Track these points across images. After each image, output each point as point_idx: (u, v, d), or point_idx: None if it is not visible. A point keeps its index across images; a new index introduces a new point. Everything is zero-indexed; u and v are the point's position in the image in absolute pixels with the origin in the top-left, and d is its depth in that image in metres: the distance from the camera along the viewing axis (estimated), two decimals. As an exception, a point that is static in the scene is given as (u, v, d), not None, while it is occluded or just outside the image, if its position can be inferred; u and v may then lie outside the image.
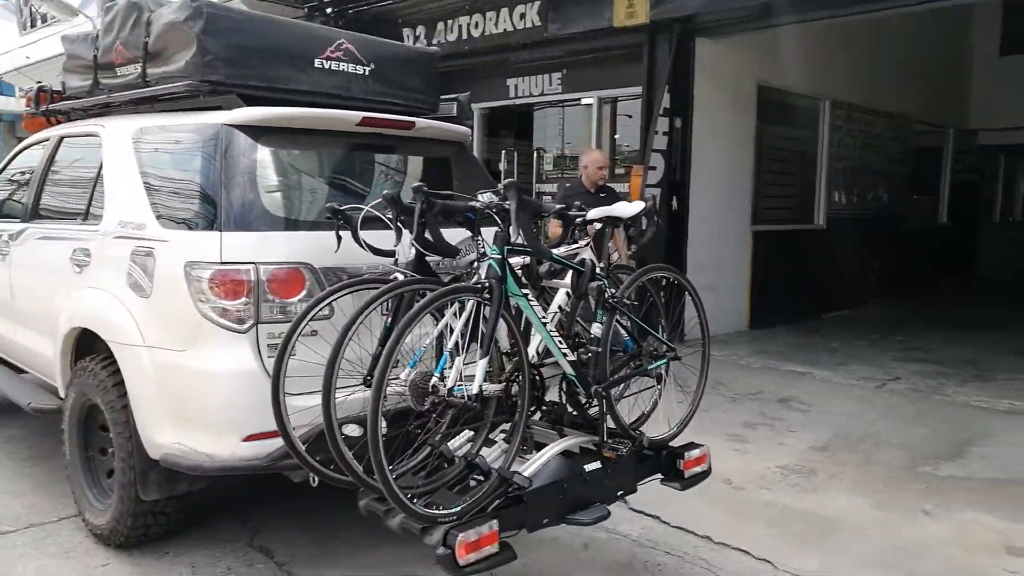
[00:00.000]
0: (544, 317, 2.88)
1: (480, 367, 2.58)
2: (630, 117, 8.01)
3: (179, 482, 3.24)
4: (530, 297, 2.82)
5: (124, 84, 3.74)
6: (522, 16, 7.68)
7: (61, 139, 4.27)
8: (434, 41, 8.45)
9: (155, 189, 3.34)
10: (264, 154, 3.20)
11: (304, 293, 3.01)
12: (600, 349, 2.97)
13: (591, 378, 2.96)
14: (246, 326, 2.92)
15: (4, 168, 4.90)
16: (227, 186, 3.05)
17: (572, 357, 2.93)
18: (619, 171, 8.25)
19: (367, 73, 3.72)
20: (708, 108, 7.24)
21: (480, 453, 2.77)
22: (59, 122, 4.59)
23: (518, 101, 8.74)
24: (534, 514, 2.69)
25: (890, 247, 10.51)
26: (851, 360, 7.07)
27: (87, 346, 3.60)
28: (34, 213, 4.24)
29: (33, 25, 13.03)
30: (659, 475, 3.21)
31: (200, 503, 3.59)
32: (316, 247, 3.04)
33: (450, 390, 2.56)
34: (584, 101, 8.26)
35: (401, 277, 2.80)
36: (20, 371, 4.57)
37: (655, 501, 3.84)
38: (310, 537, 3.58)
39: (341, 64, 3.62)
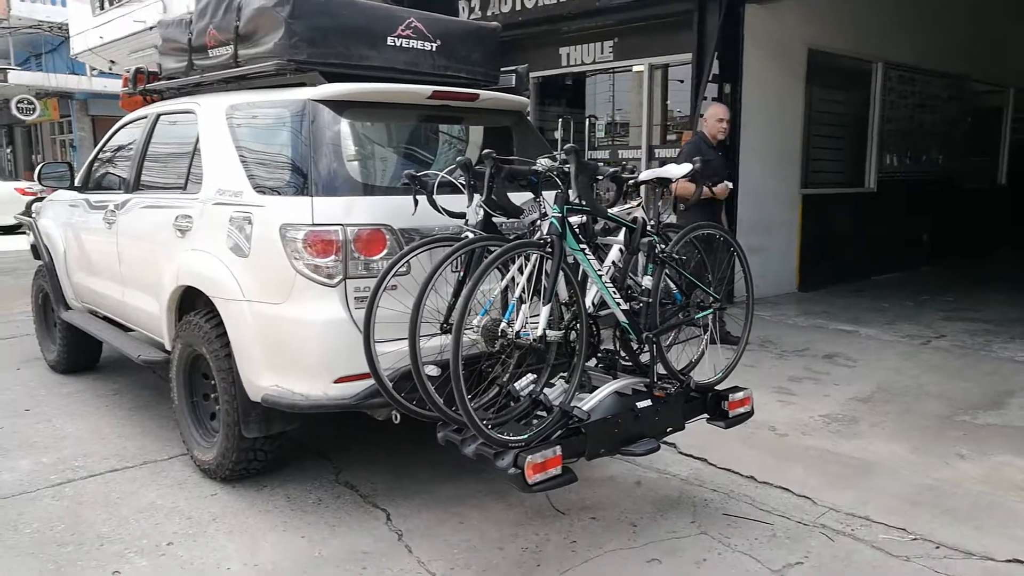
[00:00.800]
0: (600, 270, 3.19)
1: (543, 313, 2.92)
2: (681, 82, 8.17)
3: (275, 421, 3.65)
4: (587, 252, 3.13)
5: (216, 64, 4.12)
6: (574, -15, 7.88)
7: (158, 116, 4.66)
8: (488, 13, 8.68)
9: (249, 159, 3.70)
10: (346, 126, 3.53)
11: (385, 252, 3.35)
12: (651, 299, 3.28)
13: (643, 326, 3.28)
14: (335, 281, 3.28)
15: (104, 145, 5.36)
16: (315, 156, 3.40)
17: (625, 307, 3.25)
18: (671, 137, 8.45)
19: (434, 49, 4.01)
20: (757, 73, 7.37)
21: (543, 391, 3.12)
22: (154, 101, 5.03)
23: (571, 70, 8.93)
24: (591, 444, 3.02)
25: (945, 209, 10.46)
26: (899, 319, 7.22)
27: (189, 303, 4.03)
28: (136, 184, 4.65)
29: (106, 6, 13.58)
30: (705, 415, 3.52)
31: (290, 444, 4.01)
32: (394, 210, 3.39)
33: (517, 333, 2.91)
34: (635, 68, 8.42)
35: (471, 236, 3.14)
36: (127, 330, 5.08)
37: (703, 445, 4.17)
38: (387, 475, 3.96)
39: (411, 41, 3.93)
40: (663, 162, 7.79)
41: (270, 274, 3.42)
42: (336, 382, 3.31)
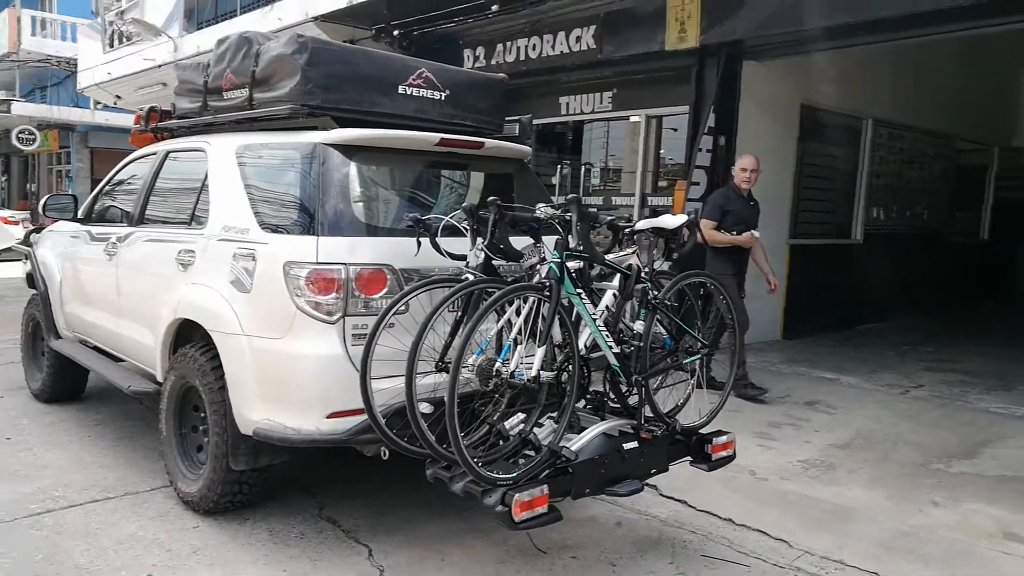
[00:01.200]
0: (594, 314, 3.34)
1: (538, 354, 3.05)
2: (675, 131, 8.42)
3: (263, 455, 3.68)
4: (583, 296, 3.28)
5: (231, 106, 4.24)
6: (578, 39, 8.14)
7: (168, 153, 4.79)
8: (493, 62, 8.94)
9: (257, 198, 3.82)
10: (354, 169, 3.66)
11: (385, 291, 3.46)
12: (641, 343, 3.42)
13: (633, 369, 3.41)
14: (335, 318, 3.38)
15: (111, 179, 5.49)
16: (322, 197, 3.53)
17: (617, 350, 3.39)
18: (662, 183, 8.67)
19: (443, 98, 4.15)
20: (752, 127, 7.60)
21: (533, 431, 3.23)
22: (163, 139, 5.18)
23: (570, 118, 9.18)
24: (578, 483, 3.13)
25: (929, 262, 10.69)
26: (880, 368, 7.37)
27: (186, 336, 4.10)
28: (141, 218, 4.74)
29: (117, 44, 13.87)
30: (688, 457, 3.64)
31: (274, 478, 4.03)
32: (395, 250, 3.52)
33: (512, 373, 3.04)
34: (632, 119, 8.67)
35: (471, 277, 3.28)
36: (117, 360, 5.10)
37: (683, 488, 4.27)
38: (370, 511, 4.01)
39: (421, 90, 4.06)
40: (655, 210, 8.00)
41: (271, 310, 3.51)
42: (328, 417, 3.39)
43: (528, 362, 3.10)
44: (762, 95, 7.73)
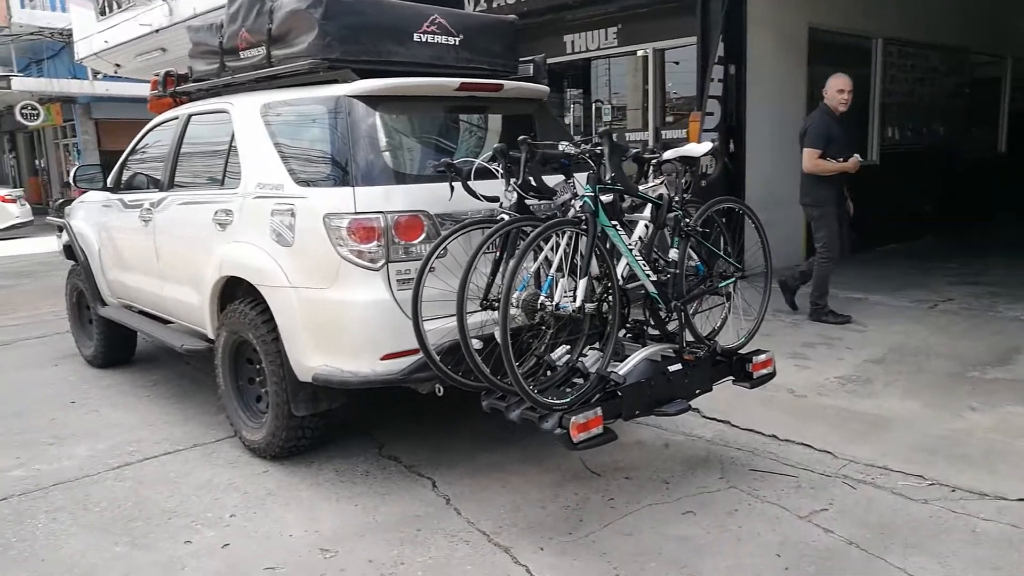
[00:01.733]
0: (629, 245, 3.41)
1: (581, 286, 3.13)
2: (677, 64, 8.35)
3: (321, 400, 3.87)
4: (618, 228, 3.34)
5: (249, 65, 4.31)
6: (580, -25, 8.05)
7: (190, 117, 4.86)
8: (495, 4, 8.84)
9: (288, 154, 3.90)
10: (380, 119, 3.72)
11: (423, 236, 3.56)
12: (677, 271, 3.49)
13: (670, 295, 3.49)
14: (379, 265, 3.49)
15: (135, 147, 5.56)
16: (353, 148, 3.60)
17: (654, 278, 3.46)
18: (669, 119, 8.64)
19: (457, 43, 4.20)
20: (761, 53, 7.54)
21: (579, 360, 3.33)
22: (182, 103, 5.23)
23: (576, 56, 9.11)
24: (628, 405, 3.25)
25: (946, 180, 10.63)
26: (906, 286, 7.43)
27: (230, 292, 4.26)
28: (171, 183, 4.86)
29: (110, 10, 13.74)
30: (731, 377, 3.74)
31: (333, 423, 4.19)
32: (430, 196, 3.60)
33: (556, 306, 3.12)
34: (639, 53, 8.60)
35: (507, 218, 3.34)
36: (165, 322, 5.29)
37: (725, 409, 4.39)
38: (427, 447, 4.18)
39: (435, 37, 4.11)
40: (666, 143, 7.99)
41: (315, 261, 3.62)
42: (383, 359, 3.53)
43: (570, 294, 3.18)
44: (769, 20, 7.65)
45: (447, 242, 3.32)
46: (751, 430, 4.21)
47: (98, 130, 23.51)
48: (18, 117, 21.26)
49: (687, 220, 3.56)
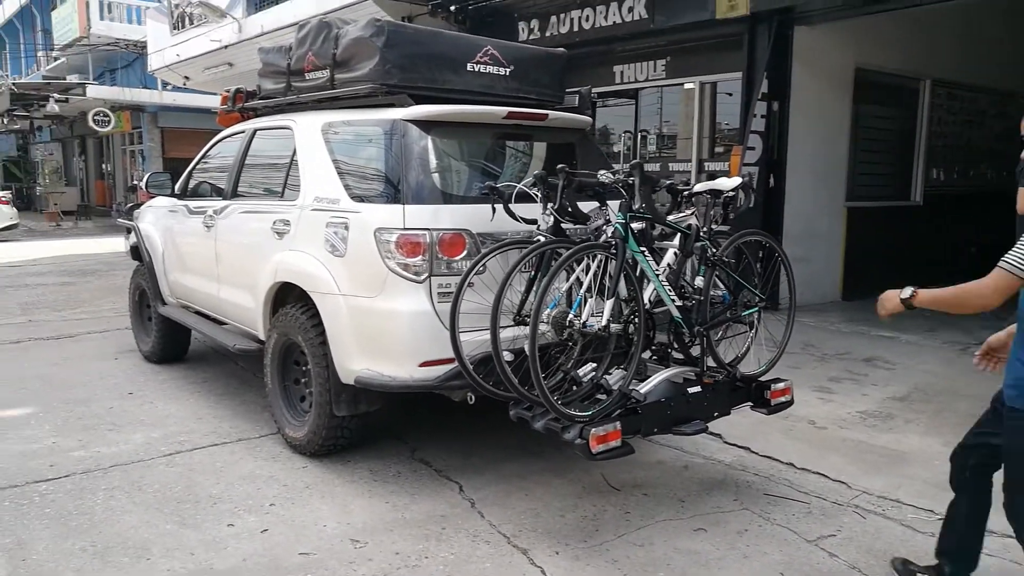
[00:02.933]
0: (657, 271, 3.61)
1: (607, 306, 3.35)
2: (730, 95, 8.52)
3: (361, 402, 4.12)
4: (646, 254, 3.55)
5: (313, 86, 4.63)
6: (630, 10, 8.29)
7: (255, 132, 5.20)
8: (547, 34, 9.15)
9: (344, 171, 4.18)
10: (432, 142, 3.98)
11: (465, 253, 3.80)
12: (701, 297, 3.69)
13: (694, 321, 3.69)
14: (423, 277, 3.74)
15: (202, 157, 5.94)
16: (406, 168, 3.87)
17: (679, 303, 3.66)
18: (718, 149, 8.81)
19: (507, 73, 4.48)
20: (805, 91, 7.69)
21: (604, 377, 3.54)
22: (248, 118, 5.59)
23: (625, 87, 9.34)
24: (647, 422, 3.44)
25: (992, 223, 10.57)
26: (939, 327, 7.45)
27: (282, 298, 4.56)
28: (234, 192, 5.20)
29: (183, 26, 14.42)
30: (749, 403, 3.91)
31: (369, 427, 4.43)
32: (472, 216, 3.85)
33: (583, 324, 3.34)
34: (686, 86, 8.81)
35: (543, 239, 3.58)
36: (219, 323, 5.61)
37: (746, 436, 4.54)
38: (457, 453, 4.41)
39: (487, 67, 4.39)
40: (712, 175, 8.17)
41: (364, 271, 3.88)
42: (421, 366, 3.76)
43: (598, 315, 3.40)
44: (814, 59, 7.81)
45: (486, 260, 3.56)
46: (769, 457, 4.35)
47: (163, 138, 24.50)
48: (90, 123, 22.24)
49: (714, 250, 3.76)
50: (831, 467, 4.19)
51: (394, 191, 3.89)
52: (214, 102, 22.28)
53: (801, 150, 7.75)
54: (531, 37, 9.45)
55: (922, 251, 9.27)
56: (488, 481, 4.06)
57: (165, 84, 20.84)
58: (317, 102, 4.70)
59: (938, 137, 9.86)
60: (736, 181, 3.88)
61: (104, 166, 29.44)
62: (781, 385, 3.91)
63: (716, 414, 3.76)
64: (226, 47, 13.18)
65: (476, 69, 4.36)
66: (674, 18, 7.93)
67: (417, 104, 4.05)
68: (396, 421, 4.87)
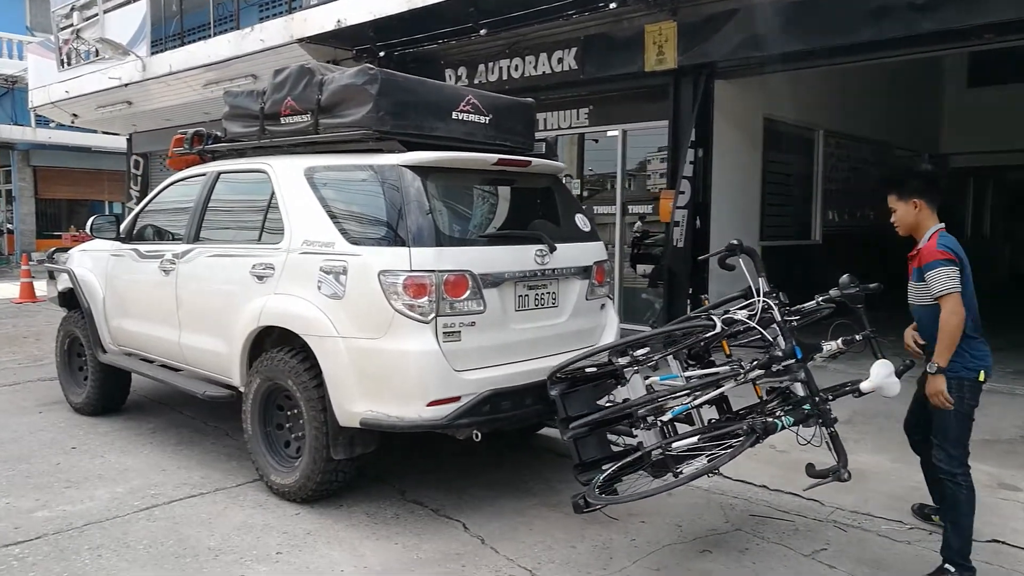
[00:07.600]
0: None
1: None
2: (645, 146, 9.04)
3: (357, 444, 4.11)
4: None
5: (291, 131, 4.64)
6: (560, 60, 8.67)
7: (219, 175, 5.13)
8: (475, 81, 9.39)
9: (338, 214, 4.22)
10: (429, 187, 4.09)
11: (468, 293, 3.93)
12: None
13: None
14: (429, 317, 3.83)
15: (152, 199, 5.76)
16: (406, 212, 3.96)
17: None
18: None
19: (487, 122, 4.66)
20: (724, 140, 8.27)
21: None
22: (206, 160, 5.48)
23: (547, 134, 9.70)
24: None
25: (877, 259, 11.60)
26: (863, 358, 8.06)
27: (259, 344, 4.50)
28: (196, 236, 5.08)
29: (70, 63, 13.82)
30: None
31: (359, 469, 4.40)
32: (472, 257, 4.00)
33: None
34: (609, 133, 9.25)
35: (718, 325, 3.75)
36: (175, 370, 5.38)
37: (718, 461, 4.80)
38: (448, 493, 4.44)
39: (470, 115, 4.56)
40: (641, 217, 8.64)
41: (367, 313, 3.91)
42: (429, 405, 3.83)
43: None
44: (731, 110, 8.42)
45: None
46: (743, 481, 4.64)
47: (36, 177, 23.07)
48: (-49, 160, 20.72)
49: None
50: (801, 487, 4.47)
51: (394, 234, 3.97)
52: (96, 141, 21.55)
53: (722, 194, 8.29)
54: (459, 85, 9.67)
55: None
56: (488, 517, 4.13)
57: (42, 121, 19.70)
58: (292, 146, 4.71)
59: (831, 182, 10.81)
60: (896, 388, 3.97)
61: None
62: None
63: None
64: (126, 85, 12.71)
65: (460, 117, 4.52)
66: (604, 69, 8.36)
67: (408, 151, 4.16)
68: (373, 463, 4.84)
